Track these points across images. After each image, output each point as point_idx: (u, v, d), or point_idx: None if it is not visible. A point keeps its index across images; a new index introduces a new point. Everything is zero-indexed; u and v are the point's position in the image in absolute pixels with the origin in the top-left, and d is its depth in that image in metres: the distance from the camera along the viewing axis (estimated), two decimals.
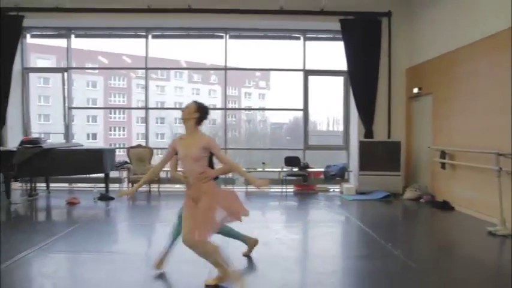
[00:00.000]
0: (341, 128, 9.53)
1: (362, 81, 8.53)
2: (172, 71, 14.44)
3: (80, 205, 7.10)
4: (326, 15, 8.44)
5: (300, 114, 9.33)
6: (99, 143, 14.15)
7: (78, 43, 9.23)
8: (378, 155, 8.32)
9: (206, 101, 14.19)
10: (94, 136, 14.46)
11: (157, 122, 14.70)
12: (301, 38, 9.05)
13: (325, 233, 5.63)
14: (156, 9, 8.28)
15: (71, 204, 7.12)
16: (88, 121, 14.24)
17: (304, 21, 8.63)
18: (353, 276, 3.96)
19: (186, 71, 14.65)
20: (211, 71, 13.52)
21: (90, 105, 14.09)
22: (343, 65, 8.75)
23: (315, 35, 9.19)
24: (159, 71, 13.31)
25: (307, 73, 9.08)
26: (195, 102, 3.41)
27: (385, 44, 8.60)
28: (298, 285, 3.79)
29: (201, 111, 3.35)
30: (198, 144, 3.27)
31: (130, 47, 10.90)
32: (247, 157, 10.41)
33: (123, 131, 16.09)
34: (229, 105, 13.41)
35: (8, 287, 3.42)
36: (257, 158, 9.60)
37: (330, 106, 9.73)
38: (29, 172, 7.12)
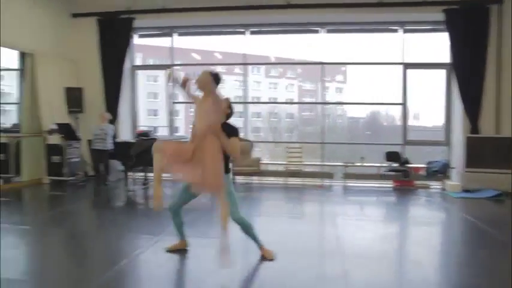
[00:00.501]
0: (439, 123, 9.15)
1: (468, 74, 8.10)
2: (250, 66, 14.57)
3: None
4: (428, 6, 8.16)
5: (378, 108, 9.10)
6: None
7: (180, 41, 9.71)
8: (487, 152, 7.87)
9: (283, 95, 14.03)
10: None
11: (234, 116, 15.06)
12: (400, 30, 8.81)
13: (443, 229, 5.46)
14: (255, 6, 8.51)
15: None
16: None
17: (404, 13, 8.38)
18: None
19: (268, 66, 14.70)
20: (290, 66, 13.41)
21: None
22: (444, 57, 8.40)
23: (414, 27, 8.88)
24: (236, 67, 13.49)
25: (407, 66, 8.81)
26: (207, 71, 3.68)
27: (493, 33, 8.09)
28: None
29: (213, 76, 3.63)
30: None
31: (222, 44, 11.21)
32: (339, 151, 10.28)
33: None
34: (307, 99, 13.41)
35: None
36: (345, 152, 9.55)
37: (427, 100, 9.35)
38: (144, 162, 7.65)
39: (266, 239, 4.11)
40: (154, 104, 12.90)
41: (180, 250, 4.23)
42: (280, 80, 17.31)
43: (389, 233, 5.36)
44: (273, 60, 12.12)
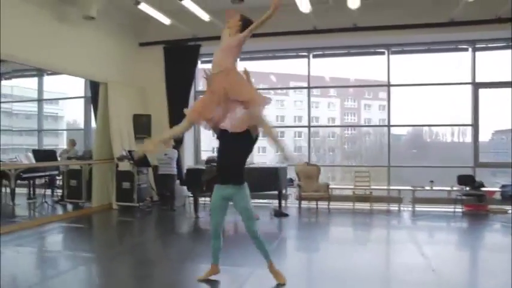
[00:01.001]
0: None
1: None
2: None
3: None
4: (501, 23, 7.89)
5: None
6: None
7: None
8: None
9: (325, 113, 13.67)
10: None
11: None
12: (470, 48, 8.56)
13: None
14: (320, 30, 8.50)
15: None
16: None
17: (474, 31, 8.14)
18: None
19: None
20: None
21: None
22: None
23: (484, 45, 8.61)
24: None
25: (477, 86, 8.53)
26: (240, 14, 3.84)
27: None
28: None
29: (243, 21, 3.82)
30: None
31: (275, 66, 11.27)
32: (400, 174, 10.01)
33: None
34: (348, 118, 13.19)
35: None
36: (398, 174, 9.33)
37: (499, 120, 9.00)
38: None
39: (335, 264, 3.98)
40: None
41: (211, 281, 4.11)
42: (323, 98, 17.23)
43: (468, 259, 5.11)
44: (327, 80, 12.05)
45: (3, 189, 8.32)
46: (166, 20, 8.18)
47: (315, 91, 16.82)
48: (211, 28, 8.60)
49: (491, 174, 9.32)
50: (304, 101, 10.19)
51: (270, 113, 13.05)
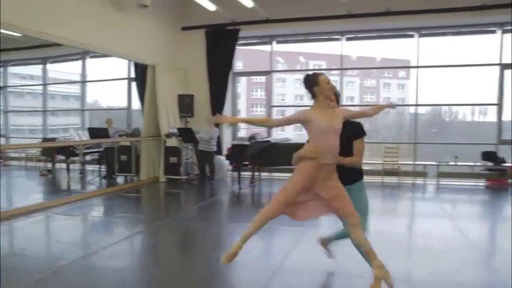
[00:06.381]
0: None
1: None
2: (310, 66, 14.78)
3: None
4: None
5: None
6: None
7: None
8: None
9: (344, 92, 14.14)
10: None
11: None
12: (498, 31, 8.97)
13: None
14: (354, 14, 8.99)
15: None
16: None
17: (504, 14, 8.48)
18: None
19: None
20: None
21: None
22: None
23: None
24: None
25: (504, 67, 8.98)
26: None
27: None
28: None
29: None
30: (338, 116, 3.06)
31: (305, 47, 11.77)
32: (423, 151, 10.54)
33: None
34: (367, 97, 13.64)
35: None
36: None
37: None
38: (258, 162, 8.43)
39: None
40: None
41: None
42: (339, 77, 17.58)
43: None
44: (354, 59, 12.47)
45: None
46: (210, 6, 8.76)
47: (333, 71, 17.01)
48: (249, 13, 9.20)
49: None
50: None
51: (290, 92, 13.67)
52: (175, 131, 9.15)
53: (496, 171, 8.80)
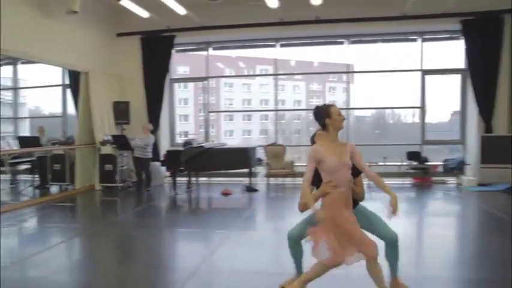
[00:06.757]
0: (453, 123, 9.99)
1: (482, 79, 8.86)
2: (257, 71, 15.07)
3: (232, 196, 8.35)
4: (447, 17, 8.90)
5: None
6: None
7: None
8: (500, 149, 8.69)
9: (291, 96, 14.69)
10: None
11: (244, 119, 15.70)
12: (419, 39, 9.61)
13: (464, 216, 6.31)
14: (286, 22, 9.29)
15: (225, 194, 8.40)
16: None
17: (423, 24, 9.14)
18: None
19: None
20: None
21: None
22: (459, 63, 9.24)
23: (432, 36, 9.68)
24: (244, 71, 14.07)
25: (425, 72, 9.62)
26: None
27: (507, 41, 8.74)
28: None
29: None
30: (346, 150, 3.03)
31: (243, 52, 12.03)
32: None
33: (213, 128, 17.43)
34: (313, 101, 14.18)
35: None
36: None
37: (444, 103, 10.22)
38: (193, 168, 8.49)
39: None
40: (184, 110, 13.77)
41: None
42: (287, 82, 18.06)
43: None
44: (293, 64, 12.86)
45: None
46: (144, 13, 8.74)
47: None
48: (184, 20, 9.27)
49: (450, 151, 10.54)
50: (270, 84, 10.98)
51: (237, 97, 13.87)
52: (110, 138, 9.03)
53: (420, 169, 9.39)
